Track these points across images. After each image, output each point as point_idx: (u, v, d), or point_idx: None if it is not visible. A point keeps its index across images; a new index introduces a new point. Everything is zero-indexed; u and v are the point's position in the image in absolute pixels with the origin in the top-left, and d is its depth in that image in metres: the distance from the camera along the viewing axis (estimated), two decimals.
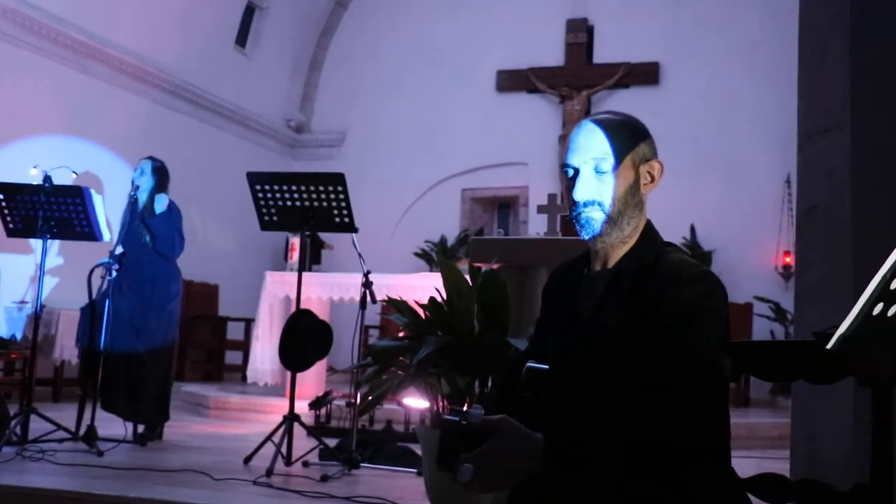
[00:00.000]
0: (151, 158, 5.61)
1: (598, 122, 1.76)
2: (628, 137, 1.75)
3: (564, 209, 4.37)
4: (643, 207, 1.77)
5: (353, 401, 4.74)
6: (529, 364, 1.72)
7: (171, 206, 5.54)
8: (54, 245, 7.59)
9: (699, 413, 1.56)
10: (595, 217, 1.73)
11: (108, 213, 5.48)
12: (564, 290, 1.85)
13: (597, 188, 1.73)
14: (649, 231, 1.78)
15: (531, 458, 1.50)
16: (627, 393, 1.58)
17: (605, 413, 1.58)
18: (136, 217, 5.48)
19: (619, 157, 1.73)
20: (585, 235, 1.75)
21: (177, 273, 5.60)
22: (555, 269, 1.94)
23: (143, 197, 5.52)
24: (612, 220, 1.72)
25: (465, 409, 1.56)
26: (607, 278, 1.74)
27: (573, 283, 1.82)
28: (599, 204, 1.72)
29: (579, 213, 1.74)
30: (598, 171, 1.73)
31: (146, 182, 5.51)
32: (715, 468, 1.61)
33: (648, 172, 1.77)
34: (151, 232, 5.41)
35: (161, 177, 5.57)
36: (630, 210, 1.73)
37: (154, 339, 5.41)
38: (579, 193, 1.73)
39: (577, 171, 1.74)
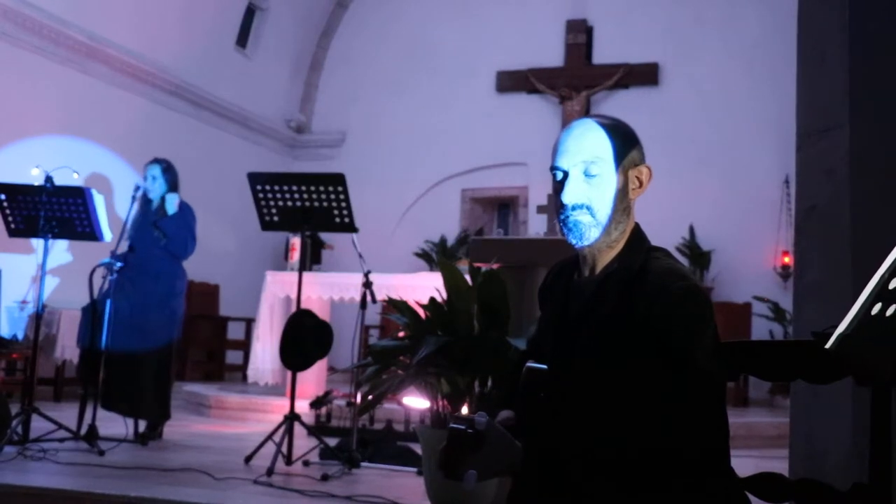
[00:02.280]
0: (158, 161, 5.62)
1: (588, 125, 1.74)
2: (618, 141, 1.73)
3: None
4: (631, 212, 1.76)
5: (353, 400, 4.76)
6: (529, 364, 1.73)
7: (184, 207, 5.58)
8: (62, 242, 7.59)
9: (694, 422, 1.58)
10: (583, 221, 1.71)
11: (116, 212, 5.52)
12: (555, 293, 1.85)
13: (586, 192, 1.71)
14: (636, 236, 1.77)
15: (511, 467, 1.60)
16: (620, 403, 1.60)
17: (600, 424, 1.61)
18: (150, 216, 5.53)
19: (608, 161, 1.71)
20: (573, 240, 1.74)
21: (182, 272, 5.65)
22: (550, 268, 1.95)
23: (157, 198, 5.56)
24: (599, 225, 1.71)
25: (469, 416, 1.60)
26: (595, 285, 1.74)
27: (563, 288, 1.82)
28: (588, 207, 1.71)
29: (567, 217, 1.72)
30: (587, 175, 1.71)
31: (159, 186, 5.56)
32: (713, 470, 1.62)
33: (637, 177, 1.76)
34: (164, 233, 5.45)
35: (172, 176, 5.61)
36: (618, 215, 1.72)
37: (157, 338, 5.43)
38: (568, 196, 1.71)
39: (566, 174, 1.73)
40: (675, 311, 1.61)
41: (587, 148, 1.71)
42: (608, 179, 1.72)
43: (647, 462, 1.55)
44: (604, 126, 1.74)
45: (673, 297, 1.62)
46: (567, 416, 1.66)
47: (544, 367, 1.71)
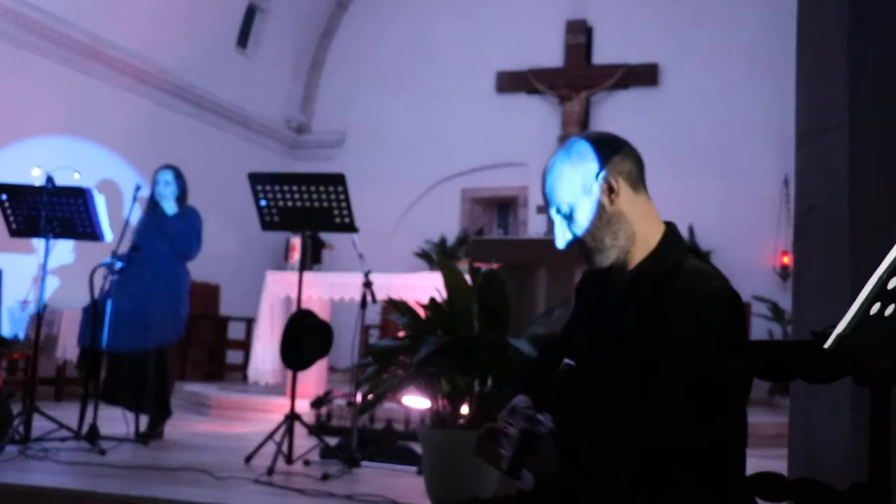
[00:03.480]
0: (170, 167, 5.68)
1: (549, 169, 1.82)
2: (571, 172, 1.78)
3: None
4: (624, 217, 1.77)
5: (353, 400, 4.76)
6: (566, 361, 1.75)
7: (192, 210, 5.67)
8: (65, 242, 7.60)
9: (706, 424, 1.59)
10: (586, 248, 1.79)
11: (123, 215, 5.57)
12: (589, 292, 1.90)
13: (570, 229, 1.80)
14: (672, 236, 1.81)
15: (547, 469, 1.63)
16: (640, 401, 1.62)
17: (618, 422, 1.62)
18: (157, 217, 5.57)
19: (571, 195, 1.78)
20: (588, 266, 1.84)
21: (186, 272, 5.70)
22: (586, 269, 1.99)
23: (168, 202, 5.62)
24: (594, 248, 1.78)
25: (536, 416, 1.64)
26: (627, 283, 1.77)
27: (597, 286, 1.86)
28: (576, 241, 1.80)
29: (577, 250, 1.82)
30: (563, 215, 1.80)
31: (171, 191, 5.64)
32: (727, 472, 1.63)
33: (604, 187, 1.76)
34: (169, 233, 5.49)
35: (184, 182, 5.71)
36: (607, 228, 1.77)
37: (159, 336, 5.45)
38: (559, 241, 1.83)
39: (552, 220, 1.84)
40: (703, 311, 1.63)
41: (554, 195, 1.80)
42: (581, 210, 1.78)
43: (661, 461, 1.55)
44: (555, 165, 1.81)
45: (702, 297, 1.64)
46: (591, 412, 1.68)
47: (574, 363, 1.74)
